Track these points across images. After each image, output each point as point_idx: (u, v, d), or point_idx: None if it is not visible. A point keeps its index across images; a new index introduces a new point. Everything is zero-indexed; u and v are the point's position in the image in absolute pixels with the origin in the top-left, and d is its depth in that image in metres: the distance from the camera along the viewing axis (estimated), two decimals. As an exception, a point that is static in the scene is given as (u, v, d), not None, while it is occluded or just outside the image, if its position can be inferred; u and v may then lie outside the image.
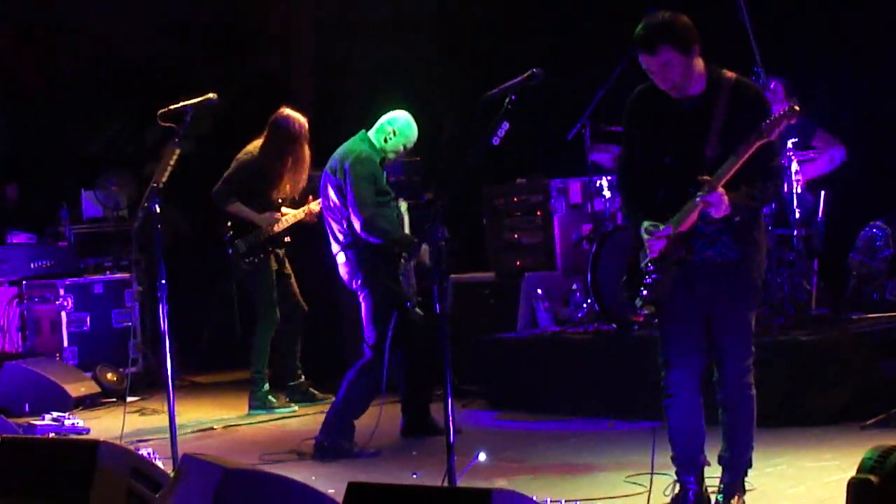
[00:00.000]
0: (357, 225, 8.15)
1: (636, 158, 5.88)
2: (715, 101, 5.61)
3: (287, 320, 10.20)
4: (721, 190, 5.47)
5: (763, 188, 5.63)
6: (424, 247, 8.34)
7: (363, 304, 8.27)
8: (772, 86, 8.53)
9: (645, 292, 5.71)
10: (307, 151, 9.94)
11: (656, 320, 5.84)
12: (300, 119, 9.91)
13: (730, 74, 5.70)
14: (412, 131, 8.50)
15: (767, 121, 5.46)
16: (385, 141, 8.42)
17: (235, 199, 9.91)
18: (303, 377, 10.30)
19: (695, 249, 5.65)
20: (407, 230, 8.84)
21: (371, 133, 8.46)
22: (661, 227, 5.64)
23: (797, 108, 5.54)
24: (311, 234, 10.04)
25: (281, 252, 10.15)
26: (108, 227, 12.50)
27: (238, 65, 13.90)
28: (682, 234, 5.62)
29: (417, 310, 8.37)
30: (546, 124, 10.10)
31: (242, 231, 9.96)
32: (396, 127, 8.45)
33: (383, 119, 8.50)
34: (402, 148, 8.50)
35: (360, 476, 7.20)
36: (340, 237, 8.30)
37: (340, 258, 8.34)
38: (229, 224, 9.99)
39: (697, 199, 5.51)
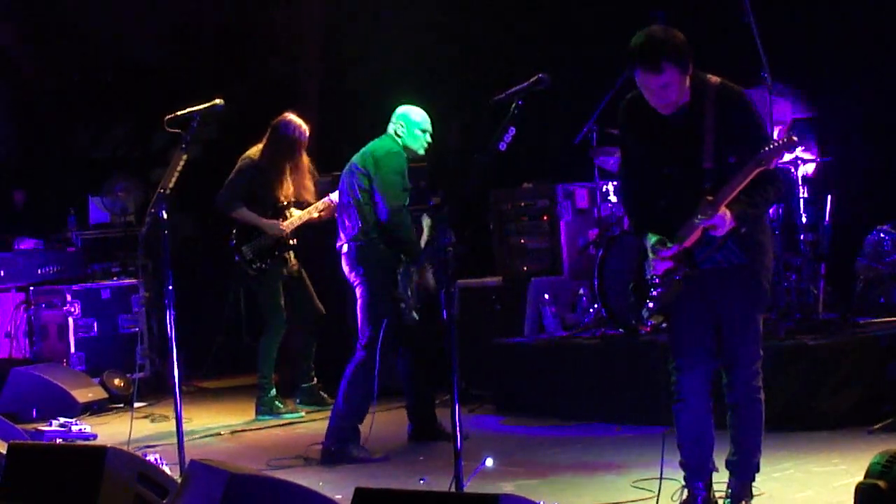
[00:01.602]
0: (384, 213, 8.14)
1: (635, 169, 5.89)
2: (702, 110, 5.60)
3: (302, 323, 10.21)
4: (723, 210, 5.47)
5: (763, 193, 5.62)
6: (430, 274, 8.35)
7: (359, 300, 8.29)
8: (777, 90, 8.50)
9: (651, 304, 5.73)
10: (305, 157, 9.99)
11: (664, 325, 5.84)
12: (301, 125, 9.95)
13: (714, 79, 5.68)
14: (416, 115, 8.44)
15: (766, 149, 5.45)
16: (397, 135, 8.40)
17: (240, 204, 9.91)
18: (315, 379, 10.30)
19: (701, 257, 5.65)
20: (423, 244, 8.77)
21: (389, 132, 8.48)
22: (669, 244, 5.65)
23: (795, 139, 5.53)
24: (319, 237, 10.04)
25: (292, 255, 10.15)
26: (116, 232, 12.50)
27: (245, 68, 13.90)
28: (686, 250, 5.63)
29: (414, 314, 8.36)
30: (552, 129, 10.10)
31: (248, 236, 9.97)
32: (399, 117, 8.43)
33: (394, 117, 8.47)
34: (419, 134, 8.42)
35: (368, 481, 7.21)
36: (349, 227, 8.32)
37: (344, 249, 8.36)
38: (234, 231, 10.01)
39: (698, 221, 5.51)
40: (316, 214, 10.03)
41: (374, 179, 8.23)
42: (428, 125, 8.49)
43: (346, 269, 8.39)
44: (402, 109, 8.48)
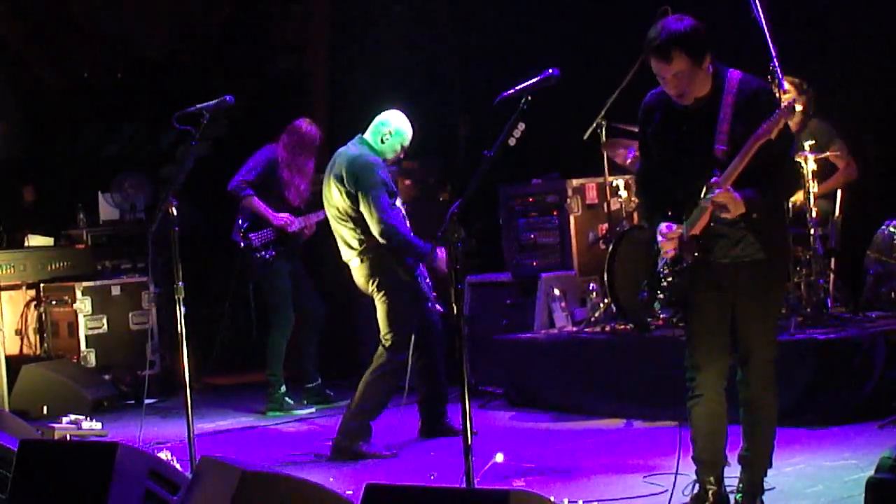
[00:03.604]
0: (376, 230, 8.10)
1: (653, 160, 5.88)
2: (720, 102, 5.59)
3: (304, 321, 10.21)
4: (729, 188, 5.45)
5: (775, 181, 5.61)
6: (442, 256, 8.31)
7: (379, 307, 8.25)
8: (784, 87, 8.47)
9: (662, 295, 5.71)
10: (312, 163, 10.05)
11: (675, 319, 5.83)
12: (317, 130, 10.06)
13: (735, 72, 5.68)
14: (408, 131, 8.42)
15: (767, 121, 5.44)
16: (381, 142, 8.34)
17: (252, 191, 9.93)
18: (319, 379, 10.30)
19: (717, 250, 5.64)
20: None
21: (367, 136, 8.39)
22: (676, 227, 5.64)
23: (795, 105, 5.51)
24: (324, 234, 10.05)
25: (297, 252, 10.16)
26: (125, 229, 12.50)
27: (254, 65, 13.91)
28: (695, 237, 5.62)
29: (437, 306, 8.37)
30: (562, 124, 10.08)
31: (256, 226, 9.99)
32: (392, 128, 8.37)
33: (377, 120, 8.41)
34: (399, 148, 8.41)
35: (378, 477, 7.22)
36: (355, 243, 8.24)
37: (355, 263, 8.30)
38: (241, 220, 10.02)
39: (706, 201, 5.50)
40: (302, 226, 10.05)
41: (359, 197, 8.13)
42: (408, 143, 8.46)
43: (360, 281, 8.32)
44: (396, 121, 8.38)
